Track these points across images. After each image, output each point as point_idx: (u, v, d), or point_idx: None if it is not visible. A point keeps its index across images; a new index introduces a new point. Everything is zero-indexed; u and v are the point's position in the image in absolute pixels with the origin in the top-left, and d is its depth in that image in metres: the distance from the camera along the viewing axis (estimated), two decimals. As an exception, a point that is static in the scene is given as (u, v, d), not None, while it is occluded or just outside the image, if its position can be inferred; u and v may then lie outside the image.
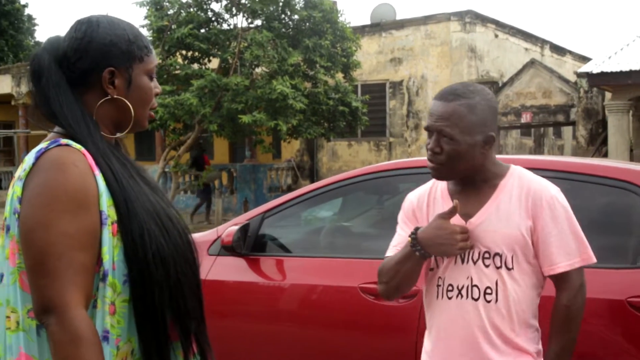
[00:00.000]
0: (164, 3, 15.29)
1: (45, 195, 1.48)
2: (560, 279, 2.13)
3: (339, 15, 15.86)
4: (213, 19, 15.77)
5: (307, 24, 15.11)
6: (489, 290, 2.11)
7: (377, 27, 19.46)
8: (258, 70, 15.10)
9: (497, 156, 2.30)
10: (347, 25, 16.01)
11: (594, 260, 2.18)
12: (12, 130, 24.17)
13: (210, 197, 17.40)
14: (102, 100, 1.64)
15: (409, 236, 2.15)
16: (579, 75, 14.86)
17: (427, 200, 2.28)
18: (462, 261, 2.14)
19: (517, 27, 20.84)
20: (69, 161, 1.51)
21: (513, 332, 2.13)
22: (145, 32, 15.69)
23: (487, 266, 2.11)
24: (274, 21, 14.95)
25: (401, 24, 19.23)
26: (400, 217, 2.35)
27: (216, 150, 22.12)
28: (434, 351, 2.26)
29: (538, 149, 21.71)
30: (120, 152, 1.68)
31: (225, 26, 15.81)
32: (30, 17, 32.78)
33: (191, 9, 15.31)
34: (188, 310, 1.64)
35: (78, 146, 1.55)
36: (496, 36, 19.63)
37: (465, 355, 2.16)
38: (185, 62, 15.70)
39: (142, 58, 1.68)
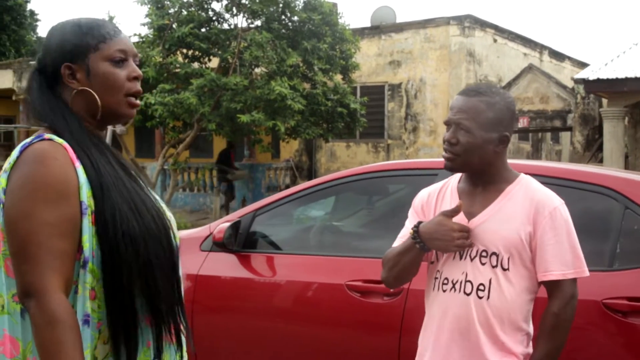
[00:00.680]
0: (165, 2, 15.34)
1: (27, 187, 1.56)
2: (552, 287, 2.22)
3: (339, 17, 15.95)
4: (214, 18, 15.83)
5: (307, 25, 15.20)
6: (481, 287, 2.20)
7: (376, 30, 19.55)
8: (257, 70, 15.18)
9: None
10: (347, 28, 16.10)
11: (587, 274, 2.27)
12: (13, 125, 24.25)
13: (233, 193, 17.62)
14: (72, 95, 1.72)
15: (411, 229, 2.27)
16: (576, 81, 14.95)
17: (437, 197, 2.40)
18: (460, 257, 2.25)
19: (516, 32, 20.93)
20: (50, 155, 1.59)
21: (502, 332, 2.21)
22: (145, 30, 15.79)
23: (483, 264, 2.21)
24: (273, 22, 15.03)
25: (401, 27, 19.32)
26: (410, 210, 2.47)
27: (215, 148, 22.20)
28: (424, 339, 2.38)
29: (536, 153, 21.79)
30: (101, 141, 1.74)
31: (225, 26, 15.87)
32: (32, 13, 32.79)
33: (192, 8, 15.38)
34: (159, 291, 1.66)
35: (60, 140, 1.62)
36: (495, 41, 19.72)
37: (451, 346, 2.26)
38: (186, 60, 15.77)
39: (97, 46, 1.71)
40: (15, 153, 1.62)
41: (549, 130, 18.82)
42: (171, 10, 15.41)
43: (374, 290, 3.48)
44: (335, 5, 16.84)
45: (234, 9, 15.46)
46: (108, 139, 11.05)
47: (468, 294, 2.22)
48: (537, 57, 21.71)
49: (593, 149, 16.05)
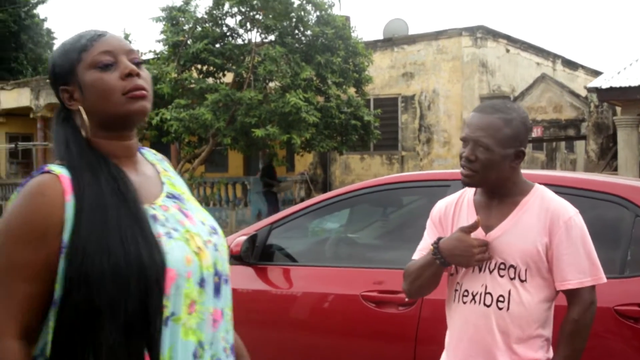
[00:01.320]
0: (180, 18, 15.55)
1: (3, 224, 1.49)
2: (571, 295, 2.27)
3: (352, 31, 16.07)
4: (228, 34, 16.02)
5: (320, 40, 15.33)
6: (501, 299, 2.25)
7: (389, 42, 19.66)
8: (271, 84, 15.33)
9: None
10: (360, 41, 16.21)
11: (604, 280, 2.33)
12: (31, 143, 24.54)
13: (278, 206, 17.61)
14: (78, 117, 1.62)
15: (432, 245, 2.33)
16: (589, 90, 14.96)
17: (454, 209, 2.44)
18: (480, 270, 2.30)
19: (529, 42, 20.96)
20: (38, 191, 1.49)
21: (521, 340, 2.27)
22: (160, 46, 15.98)
23: (501, 276, 2.26)
24: (287, 37, 15.18)
25: (413, 39, 19.42)
26: (428, 222, 2.52)
27: (230, 163, 22.34)
28: (449, 351, 2.44)
29: (550, 163, 21.75)
30: (103, 161, 1.60)
31: (239, 41, 16.05)
32: (49, 31, 33.25)
33: (206, 24, 15.57)
34: (108, 346, 1.46)
35: (58, 170, 1.52)
36: (507, 51, 19.76)
37: (470, 356, 2.32)
38: (200, 76, 15.94)
39: (80, 58, 1.60)
40: (19, 186, 1.55)
41: (562, 139, 18.81)
42: (186, 27, 15.62)
43: (389, 300, 3.53)
44: (348, 18, 16.97)
45: (248, 24, 15.64)
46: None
47: (488, 306, 2.28)
48: (550, 66, 21.72)
49: (607, 157, 16.02)
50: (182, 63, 15.34)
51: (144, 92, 1.61)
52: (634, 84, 12.33)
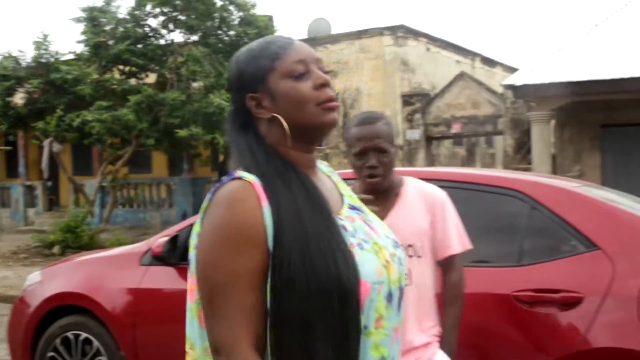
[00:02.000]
0: (101, 19, 15.35)
1: (214, 234, 1.44)
2: (449, 262, 2.65)
3: (275, 31, 16.18)
4: (150, 34, 15.88)
5: (243, 40, 15.40)
6: (405, 276, 2.47)
7: (312, 41, 19.83)
8: (195, 85, 15.31)
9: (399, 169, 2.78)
10: (282, 41, 16.32)
11: (471, 247, 2.72)
12: None
13: None
14: (265, 124, 1.58)
15: None
16: (505, 87, 15.49)
17: None
18: None
19: (449, 40, 21.52)
20: (237, 197, 1.45)
21: (424, 314, 2.58)
22: (81, 47, 15.74)
23: None
24: (210, 37, 15.19)
25: (336, 38, 19.70)
26: None
27: (154, 164, 22.15)
28: None
29: (470, 157, 22.38)
30: (293, 170, 1.55)
31: (162, 42, 15.96)
32: None
33: (128, 25, 15.41)
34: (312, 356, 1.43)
35: (250, 177, 1.48)
36: (428, 49, 20.24)
37: None
38: (123, 77, 15.78)
39: (272, 66, 1.56)
40: (209, 195, 1.52)
41: (481, 135, 19.41)
42: (107, 28, 15.42)
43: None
44: (271, 18, 17.08)
45: (171, 25, 15.56)
46: (45, 158, 11.14)
47: None
48: (469, 64, 22.33)
49: (523, 152, 16.64)
50: (103, 64, 15.16)
51: (336, 103, 1.60)
52: (546, 80, 12.81)
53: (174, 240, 4.17)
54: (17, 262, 13.72)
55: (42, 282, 4.77)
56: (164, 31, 15.89)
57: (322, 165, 1.77)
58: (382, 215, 2.53)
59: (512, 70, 24.19)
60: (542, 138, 13.49)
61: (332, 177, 1.76)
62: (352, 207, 1.67)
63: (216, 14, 15.05)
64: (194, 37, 15.56)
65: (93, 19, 15.32)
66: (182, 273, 4.15)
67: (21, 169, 21.62)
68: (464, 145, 22.26)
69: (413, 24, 27.32)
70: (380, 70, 19.07)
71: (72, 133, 15.87)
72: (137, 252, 4.40)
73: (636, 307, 3.08)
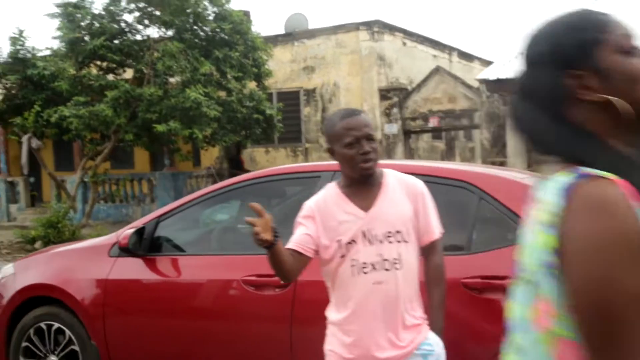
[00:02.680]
0: (76, 15, 15.37)
1: (601, 247, 1.18)
2: (432, 246, 2.82)
3: (251, 25, 16.28)
4: (126, 30, 15.93)
5: (218, 35, 15.50)
6: (396, 261, 2.69)
7: (289, 37, 20.00)
8: (172, 80, 15.40)
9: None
10: (258, 36, 16.46)
11: (443, 230, 2.92)
12: None
13: None
14: (587, 109, 1.33)
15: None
16: (480, 81, 15.68)
17: (328, 204, 2.79)
18: (371, 243, 2.69)
19: (425, 35, 21.70)
20: (612, 200, 1.20)
21: (412, 298, 2.74)
22: (57, 43, 15.78)
23: (390, 242, 2.69)
24: (185, 32, 15.26)
25: (313, 34, 19.82)
26: (300, 220, 2.81)
27: (136, 159, 22.19)
28: (352, 320, 2.74)
29: (450, 151, 22.60)
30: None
31: (138, 37, 16.01)
32: None
33: (104, 20, 15.45)
34: None
35: (610, 176, 1.24)
36: (404, 44, 20.42)
37: (379, 316, 2.69)
38: (100, 73, 15.83)
39: (600, 39, 1.32)
40: (555, 199, 1.25)
41: (458, 128, 19.63)
42: (82, 23, 15.44)
43: (267, 283, 3.85)
44: (247, 13, 17.16)
45: (146, 21, 15.62)
46: (24, 154, 11.18)
47: (388, 270, 2.69)
48: (446, 58, 22.54)
49: (499, 145, 16.87)
50: (80, 60, 15.19)
51: None
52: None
53: (140, 232, 4.31)
54: (0, 258, 13.78)
55: (15, 274, 4.89)
56: (139, 27, 15.95)
57: None
58: (368, 204, 2.74)
59: (490, 64, 24.42)
60: (516, 131, 13.68)
61: None
62: None
63: (190, 10, 15.13)
64: (170, 33, 15.62)
65: (68, 14, 15.33)
66: (149, 264, 4.29)
67: (2, 165, 21.58)
68: (444, 139, 22.47)
69: (389, 19, 27.43)
70: (357, 65, 19.22)
71: (51, 129, 15.90)
72: (106, 244, 4.54)
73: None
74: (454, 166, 4.04)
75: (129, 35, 15.94)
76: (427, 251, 2.84)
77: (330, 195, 2.82)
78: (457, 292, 3.44)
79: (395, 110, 18.57)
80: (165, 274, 4.29)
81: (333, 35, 19.44)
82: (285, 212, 4.68)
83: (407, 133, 18.75)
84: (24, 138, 16.60)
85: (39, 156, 16.79)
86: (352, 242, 2.70)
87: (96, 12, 15.53)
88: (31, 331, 4.67)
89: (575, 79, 1.32)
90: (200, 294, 4.15)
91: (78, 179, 16.65)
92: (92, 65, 15.82)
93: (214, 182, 19.40)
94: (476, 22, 70.24)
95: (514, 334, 1.38)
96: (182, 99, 13.99)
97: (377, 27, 19.18)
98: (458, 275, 3.46)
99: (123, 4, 15.37)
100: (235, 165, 18.22)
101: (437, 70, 18.12)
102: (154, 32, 15.83)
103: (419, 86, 18.28)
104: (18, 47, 16.14)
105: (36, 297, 4.72)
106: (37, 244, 14.48)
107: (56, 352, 4.60)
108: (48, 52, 16.33)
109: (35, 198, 21.45)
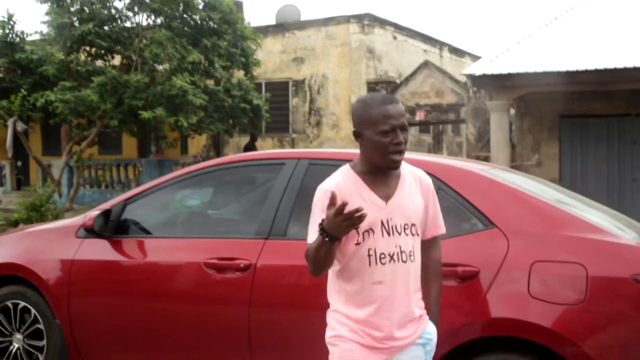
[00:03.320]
0: (66, 0, 15.36)
1: None
2: (432, 241, 2.84)
3: (240, 16, 16.29)
4: (116, 16, 15.92)
5: (207, 24, 15.52)
6: (411, 254, 2.70)
7: (280, 28, 20.02)
8: (160, 67, 15.41)
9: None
10: (247, 26, 16.48)
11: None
12: None
13: None
14: None
15: (318, 227, 2.54)
16: (466, 76, 15.74)
17: (347, 189, 2.66)
18: (389, 234, 2.65)
19: (416, 29, 21.75)
20: None
21: (418, 289, 2.76)
22: (45, 28, 15.76)
23: (407, 235, 2.68)
24: (174, 20, 15.28)
25: (303, 25, 19.86)
26: (318, 205, 2.66)
27: (124, 145, 22.21)
28: (376, 313, 2.67)
29: (437, 145, 22.68)
30: None
31: (127, 24, 16.01)
32: None
33: (93, 6, 15.44)
34: None
35: None
36: (395, 38, 20.47)
37: (398, 305, 2.67)
38: (88, 59, 15.82)
39: None
40: None
41: (445, 122, 19.71)
42: (72, 9, 15.43)
43: (227, 266, 3.92)
44: (239, 4, 17.19)
45: (136, 8, 15.62)
46: (9, 137, 11.18)
47: (405, 262, 2.68)
48: (437, 53, 22.60)
49: (484, 140, 16.95)
50: (68, 45, 15.18)
51: None
52: (504, 71, 13.05)
53: (106, 213, 4.36)
54: (-20, 240, 13.78)
55: (-16, 253, 4.94)
56: (129, 14, 15.94)
57: None
58: (388, 194, 2.69)
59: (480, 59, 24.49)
60: (501, 127, 13.76)
61: None
62: None
63: (180, -2, 15.15)
64: (159, 21, 15.63)
65: (58, -1, 15.33)
66: (115, 246, 4.35)
67: (-12, 149, 21.57)
68: (431, 133, 22.55)
69: (380, 13, 27.42)
70: (347, 57, 19.27)
71: (37, 113, 15.90)
72: (74, 225, 4.59)
73: (527, 281, 3.33)
74: (415, 156, 4.09)
75: (118, 21, 15.93)
76: (429, 245, 2.84)
77: (348, 180, 2.68)
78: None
79: (383, 103, 18.57)
80: (130, 255, 4.34)
81: (324, 27, 19.48)
82: (254, 197, 4.76)
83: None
84: (10, 121, 16.59)
85: (24, 140, 16.78)
86: (369, 230, 2.62)
87: (86, -3, 15.51)
88: (-3, 309, 4.73)
89: None
90: (162, 275, 4.21)
91: (63, 164, 16.67)
92: (80, 50, 15.80)
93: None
94: (469, 18, 70.29)
95: None
96: (169, 86, 14.01)
97: (368, 20, 19.23)
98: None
99: (113, -11, 15.36)
100: (249, 151, 18.30)
101: (425, 64, 18.19)
102: (143, 19, 15.84)
103: (407, 80, 18.35)
104: (7, 31, 16.11)
105: (3, 275, 4.77)
106: (20, 227, 14.50)
107: (21, 331, 4.65)
108: (37, 37, 16.30)
109: (21, 182, 21.45)
